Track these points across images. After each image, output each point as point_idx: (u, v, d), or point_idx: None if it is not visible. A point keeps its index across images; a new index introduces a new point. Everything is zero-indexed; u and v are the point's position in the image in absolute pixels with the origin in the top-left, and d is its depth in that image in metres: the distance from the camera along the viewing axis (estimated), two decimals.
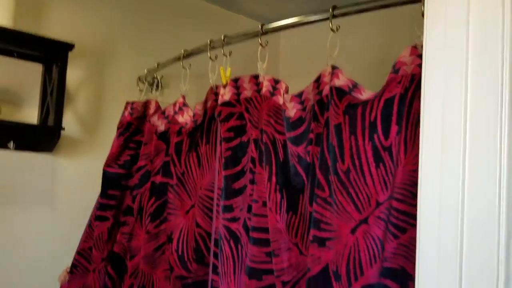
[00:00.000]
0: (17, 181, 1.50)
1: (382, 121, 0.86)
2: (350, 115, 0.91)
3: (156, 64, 1.56)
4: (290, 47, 2.18)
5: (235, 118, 1.17)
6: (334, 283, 0.86)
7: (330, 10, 1.00)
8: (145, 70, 1.63)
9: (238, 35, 1.24)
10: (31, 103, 1.54)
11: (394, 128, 0.85)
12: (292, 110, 1.04)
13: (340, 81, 0.96)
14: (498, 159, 0.59)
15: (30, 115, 1.53)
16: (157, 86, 1.64)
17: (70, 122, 1.60)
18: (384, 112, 0.87)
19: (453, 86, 0.64)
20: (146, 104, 1.53)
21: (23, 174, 1.51)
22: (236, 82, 1.17)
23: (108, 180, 1.49)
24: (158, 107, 1.50)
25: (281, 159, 1.05)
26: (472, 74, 0.62)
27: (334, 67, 0.98)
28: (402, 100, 0.85)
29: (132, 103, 1.51)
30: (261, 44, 1.16)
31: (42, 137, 1.52)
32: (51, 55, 1.52)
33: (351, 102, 0.93)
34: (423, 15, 0.72)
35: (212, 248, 1.21)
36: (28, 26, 1.50)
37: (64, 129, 1.51)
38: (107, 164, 1.50)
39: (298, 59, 2.13)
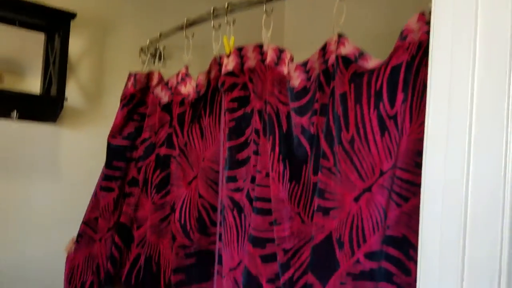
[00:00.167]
0: (21, 151, 1.50)
1: (388, 89, 0.85)
2: (356, 84, 0.89)
3: (158, 34, 1.53)
4: (295, 15, 2.12)
5: (239, 89, 1.14)
6: (337, 251, 0.86)
7: None
8: (148, 40, 1.60)
9: (242, 2, 1.20)
10: (34, 73, 1.52)
11: (400, 96, 0.84)
12: (296, 80, 1.02)
13: (346, 49, 0.94)
14: (505, 128, 0.57)
15: (33, 85, 1.51)
16: (160, 57, 1.61)
17: (73, 93, 1.58)
18: (390, 80, 0.85)
19: (461, 53, 0.62)
20: (149, 76, 1.51)
21: (26, 144, 1.51)
22: (240, 51, 1.15)
23: (113, 152, 1.49)
24: (161, 78, 1.48)
25: (284, 130, 1.04)
26: (480, 41, 0.61)
27: (340, 35, 0.95)
28: (409, 67, 0.83)
29: (135, 74, 1.49)
30: (265, 12, 1.13)
31: (45, 107, 1.51)
32: (53, 24, 1.49)
33: (357, 71, 0.91)
34: None
35: (219, 218, 1.21)
36: None
37: (67, 99, 1.50)
38: (112, 135, 1.49)
39: (304, 28, 2.08)
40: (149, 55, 1.62)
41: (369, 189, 0.85)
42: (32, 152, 1.52)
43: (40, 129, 1.53)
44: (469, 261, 0.59)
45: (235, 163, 1.12)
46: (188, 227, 1.24)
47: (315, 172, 0.97)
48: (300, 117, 1.01)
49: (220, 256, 1.16)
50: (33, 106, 1.49)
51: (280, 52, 1.09)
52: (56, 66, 1.48)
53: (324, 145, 0.92)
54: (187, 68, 1.38)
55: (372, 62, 0.92)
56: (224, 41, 1.25)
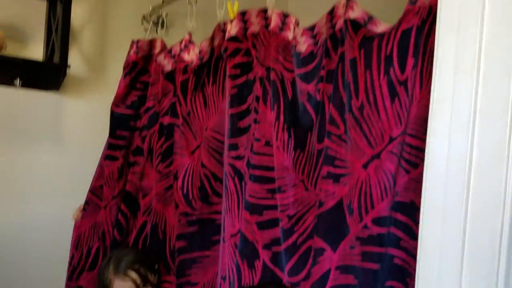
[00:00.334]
0: (25, 119, 1.49)
1: (399, 53, 0.82)
2: (366, 49, 0.86)
3: (161, 0, 1.48)
4: None
5: (241, 54, 1.10)
6: (347, 216, 0.86)
7: None
8: (150, 7, 1.55)
9: None
10: (36, 40, 1.48)
11: (410, 61, 0.80)
12: (303, 45, 0.98)
13: (355, 13, 0.89)
14: (510, 96, 0.55)
15: (36, 52, 1.48)
16: (162, 25, 1.56)
17: (76, 61, 1.54)
18: (401, 44, 0.82)
19: (468, 18, 0.59)
20: (151, 43, 1.46)
21: (30, 113, 1.49)
22: (243, 16, 1.09)
23: (116, 121, 1.46)
24: (164, 46, 1.43)
25: (289, 98, 1.01)
26: (488, 5, 0.57)
27: None
28: (419, 32, 0.80)
29: (137, 41, 1.44)
30: None
31: (48, 74, 1.48)
32: None
33: (367, 35, 0.88)
34: None
35: (223, 186, 1.21)
36: None
37: (69, 66, 1.46)
38: (115, 104, 1.46)
39: None
40: (151, 23, 1.57)
41: (378, 156, 0.83)
42: (35, 121, 1.50)
43: (43, 97, 1.51)
44: (471, 218, 0.58)
45: (236, 131, 1.10)
46: (190, 196, 1.23)
47: (320, 140, 0.95)
48: (306, 83, 0.97)
49: (224, 223, 1.15)
50: (36, 74, 1.47)
51: (284, 17, 1.04)
52: (59, 33, 1.44)
53: (333, 112, 0.90)
54: (190, 35, 1.33)
55: (381, 27, 0.88)
56: (228, 7, 1.20)
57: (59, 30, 1.45)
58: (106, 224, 1.46)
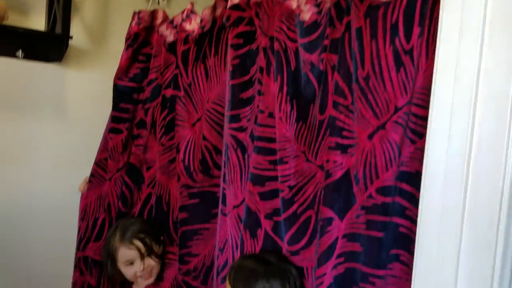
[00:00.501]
0: (27, 91, 1.47)
1: (404, 22, 0.78)
2: (371, 18, 0.83)
3: None
4: None
5: (244, 23, 1.07)
6: (354, 186, 0.86)
7: None
8: None
9: None
10: (38, 11, 1.45)
11: (416, 30, 0.77)
12: (307, 14, 0.94)
13: None
14: None
15: (38, 23, 1.45)
16: None
17: (78, 33, 1.51)
18: (407, 12, 0.78)
19: None
20: (153, 14, 1.42)
21: (32, 84, 1.47)
22: None
23: (120, 93, 1.44)
24: (166, 17, 1.39)
25: (292, 68, 0.98)
26: None
27: None
28: (425, 0, 0.77)
29: (139, 12, 1.40)
30: None
31: (50, 45, 1.45)
32: None
33: (372, 4, 0.84)
34: None
35: (223, 158, 1.20)
36: None
37: (72, 37, 1.43)
38: (118, 77, 1.43)
39: None
40: None
41: (383, 126, 0.82)
42: (38, 92, 1.48)
43: (45, 69, 1.48)
44: (472, 183, 0.58)
45: (238, 102, 1.08)
46: (192, 168, 1.23)
47: (322, 110, 0.93)
48: (309, 53, 0.94)
49: (224, 196, 1.14)
50: (38, 45, 1.44)
51: None
52: (61, 3, 1.41)
53: (341, 83, 0.88)
54: (192, 4, 1.29)
55: None
56: None
57: (61, 0, 1.41)
58: (112, 196, 1.46)
